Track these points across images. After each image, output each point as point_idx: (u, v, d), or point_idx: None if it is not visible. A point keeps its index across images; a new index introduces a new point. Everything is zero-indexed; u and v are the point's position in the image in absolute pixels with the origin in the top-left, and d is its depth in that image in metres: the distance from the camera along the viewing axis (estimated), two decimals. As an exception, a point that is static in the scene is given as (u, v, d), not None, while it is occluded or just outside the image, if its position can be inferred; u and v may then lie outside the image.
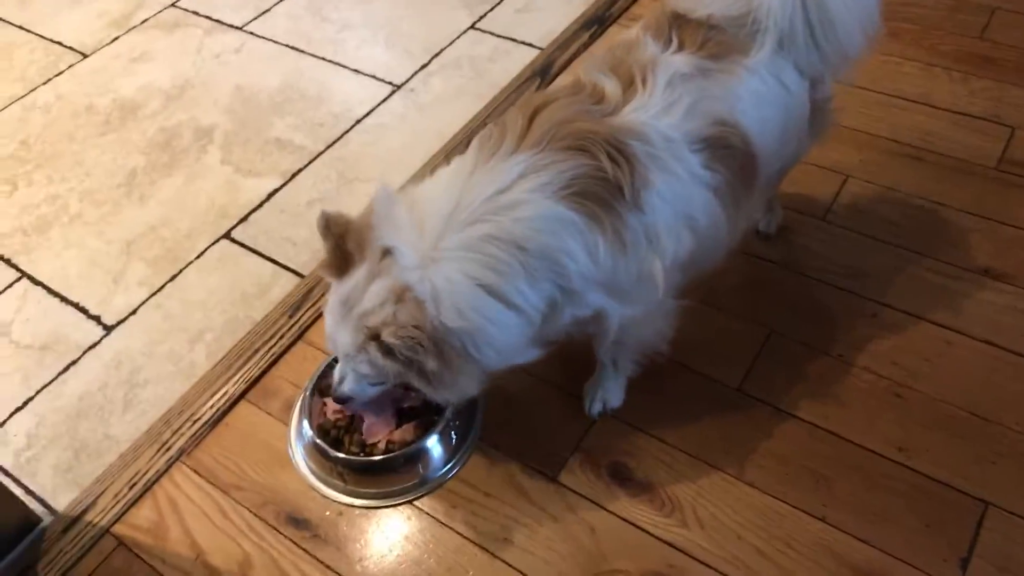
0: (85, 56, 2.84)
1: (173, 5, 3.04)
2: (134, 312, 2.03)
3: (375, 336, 1.27)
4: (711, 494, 1.56)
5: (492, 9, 2.86)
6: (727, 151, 1.37)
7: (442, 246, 1.25)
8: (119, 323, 2.01)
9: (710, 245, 1.44)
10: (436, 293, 1.24)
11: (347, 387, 1.46)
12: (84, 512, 1.65)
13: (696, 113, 1.34)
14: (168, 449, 1.73)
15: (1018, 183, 2.03)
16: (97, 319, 2.02)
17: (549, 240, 1.25)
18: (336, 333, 1.36)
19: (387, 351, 1.27)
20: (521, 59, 2.63)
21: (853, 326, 1.79)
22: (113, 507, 1.65)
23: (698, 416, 1.67)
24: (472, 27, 2.79)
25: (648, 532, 1.52)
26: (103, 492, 1.68)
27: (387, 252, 1.30)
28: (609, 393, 1.68)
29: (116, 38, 2.91)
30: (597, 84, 1.38)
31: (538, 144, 1.28)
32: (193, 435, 1.75)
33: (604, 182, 1.27)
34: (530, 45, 2.68)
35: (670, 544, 1.51)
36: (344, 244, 1.33)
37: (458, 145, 2.34)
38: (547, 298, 1.29)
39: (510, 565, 1.51)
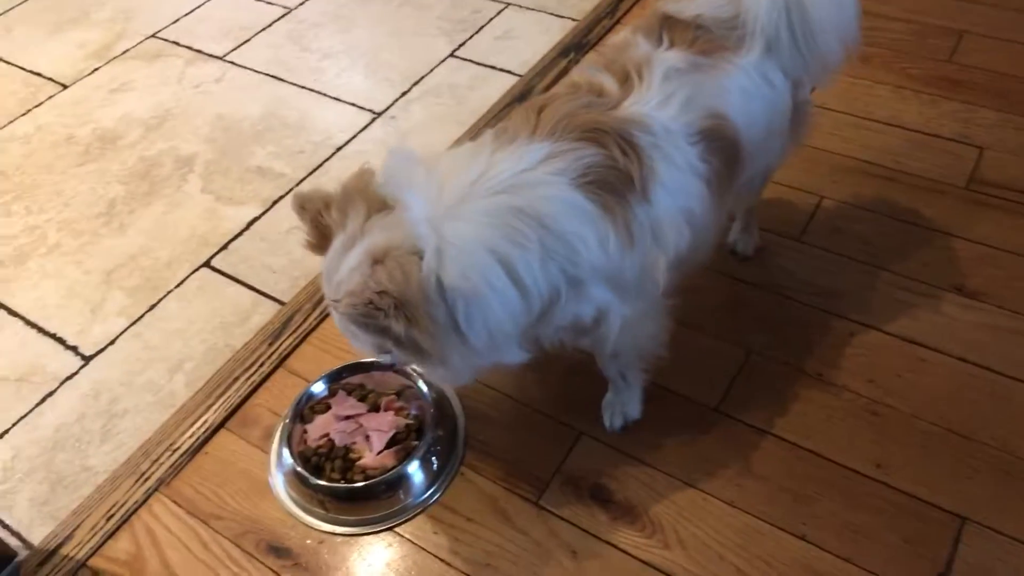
0: (65, 87, 2.85)
1: (154, 36, 3.06)
2: (112, 342, 2.02)
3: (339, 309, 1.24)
4: (692, 514, 1.56)
5: (471, 37, 2.89)
6: (720, 143, 1.40)
7: (464, 208, 1.23)
8: (97, 353, 2.00)
9: (701, 238, 1.46)
10: (443, 247, 1.21)
11: (379, 356, 1.42)
12: (60, 545, 1.63)
13: (692, 106, 1.38)
14: (146, 480, 1.71)
15: (987, 202, 2.07)
16: (75, 349, 2.01)
17: (568, 224, 1.26)
18: (330, 309, 1.35)
19: (355, 322, 1.24)
20: (500, 86, 2.66)
21: (830, 345, 1.81)
22: (90, 540, 1.63)
23: (678, 437, 1.68)
24: (451, 55, 2.82)
25: (630, 554, 1.52)
26: (80, 525, 1.66)
27: (378, 211, 1.26)
28: (627, 406, 1.69)
29: (96, 68, 2.92)
30: (594, 81, 1.41)
31: (552, 134, 1.29)
32: (172, 465, 1.73)
33: (616, 172, 1.29)
34: (509, 72, 2.72)
35: (651, 565, 1.51)
36: (321, 219, 1.31)
37: (438, 171, 2.36)
38: (552, 285, 1.28)
39: (492, 590, 1.50)
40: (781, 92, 1.53)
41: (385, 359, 1.42)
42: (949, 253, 1.96)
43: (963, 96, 2.37)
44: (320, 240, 1.33)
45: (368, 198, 1.28)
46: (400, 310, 1.19)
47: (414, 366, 1.48)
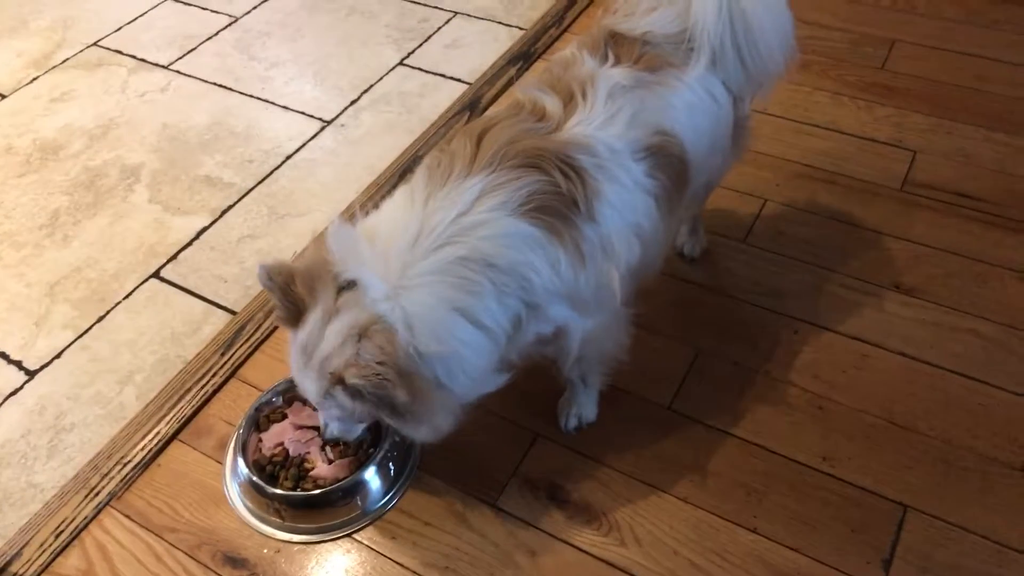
0: (3, 97, 2.78)
1: (95, 44, 3.00)
2: (58, 356, 1.97)
3: (339, 380, 1.24)
4: (647, 511, 1.60)
5: (420, 46, 2.91)
6: (666, 159, 1.43)
7: (412, 273, 1.24)
8: (42, 367, 1.95)
9: (652, 251, 1.49)
10: (410, 320, 1.23)
11: (333, 431, 1.47)
12: (8, 564, 1.58)
13: (638, 123, 1.40)
14: (97, 494, 1.68)
15: (921, 203, 2.16)
16: (18, 364, 1.96)
17: (515, 255, 1.27)
18: (302, 382, 1.34)
19: (354, 393, 1.25)
20: (450, 94, 2.68)
21: (776, 343, 1.86)
22: (39, 557, 1.59)
23: (631, 436, 1.71)
24: (401, 63, 2.83)
25: (587, 552, 1.55)
26: (28, 542, 1.62)
27: (345, 287, 1.27)
28: (583, 408, 1.71)
29: (35, 78, 2.86)
30: (537, 102, 1.42)
31: (490, 165, 1.30)
32: (123, 478, 1.70)
33: (559, 196, 1.30)
34: (458, 80, 2.74)
35: (609, 563, 1.53)
36: (292, 291, 1.30)
37: (390, 179, 2.37)
38: (513, 316, 1.30)
39: (452, 593, 1.51)
40: (724, 107, 1.57)
41: (340, 430, 1.47)
42: (887, 252, 2.04)
43: (896, 102, 2.47)
44: (292, 312, 1.31)
45: (332, 273, 1.29)
46: (403, 379, 1.21)
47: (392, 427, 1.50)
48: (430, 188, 1.30)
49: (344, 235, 1.30)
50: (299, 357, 1.31)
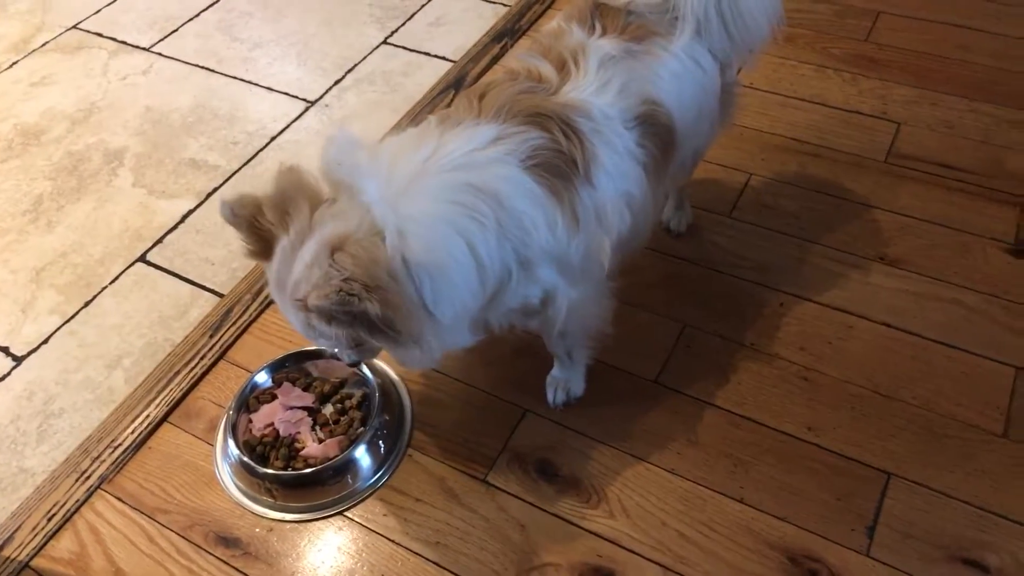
0: (-17, 82, 2.75)
1: (75, 27, 2.97)
2: (46, 341, 1.97)
3: (307, 306, 1.17)
4: (635, 484, 1.61)
5: (403, 24, 2.89)
6: (655, 128, 1.44)
7: (419, 185, 1.22)
8: (30, 353, 1.95)
9: (641, 221, 1.50)
10: (403, 224, 1.19)
11: (344, 357, 1.43)
12: (1, 548, 1.59)
13: (628, 92, 1.40)
14: (88, 477, 1.68)
15: (905, 174, 2.16)
16: (5, 350, 1.96)
17: (521, 205, 1.26)
18: (287, 317, 1.29)
19: (325, 316, 1.18)
20: (434, 72, 2.67)
21: (762, 316, 1.88)
22: (31, 541, 1.60)
23: (619, 410, 1.72)
24: (384, 42, 2.82)
25: (576, 525, 1.56)
26: (20, 527, 1.62)
27: (323, 203, 1.23)
28: (571, 384, 1.72)
29: (15, 62, 2.83)
30: (532, 68, 1.43)
31: (496, 117, 1.30)
32: (114, 461, 1.71)
33: (561, 155, 1.31)
34: (442, 58, 2.72)
35: (598, 535, 1.55)
36: (260, 223, 1.25)
37: (375, 158, 2.36)
38: (505, 264, 1.28)
39: (443, 568, 1.52)
40: (711, 74, 1.57)
41: (350, 356, 1.41)
42: (872, 224, 2.05)
43: (881, 74, 2.47)
44: (261, 246, 1.27)
45: (307, 193, 1.25)
46: (372, 292, 1.16)
47: (375, 358, 1.44)
48: (443, 127, 1.30)
49: (345, 141, 1.28)
50: (276, 292, 1.28)
